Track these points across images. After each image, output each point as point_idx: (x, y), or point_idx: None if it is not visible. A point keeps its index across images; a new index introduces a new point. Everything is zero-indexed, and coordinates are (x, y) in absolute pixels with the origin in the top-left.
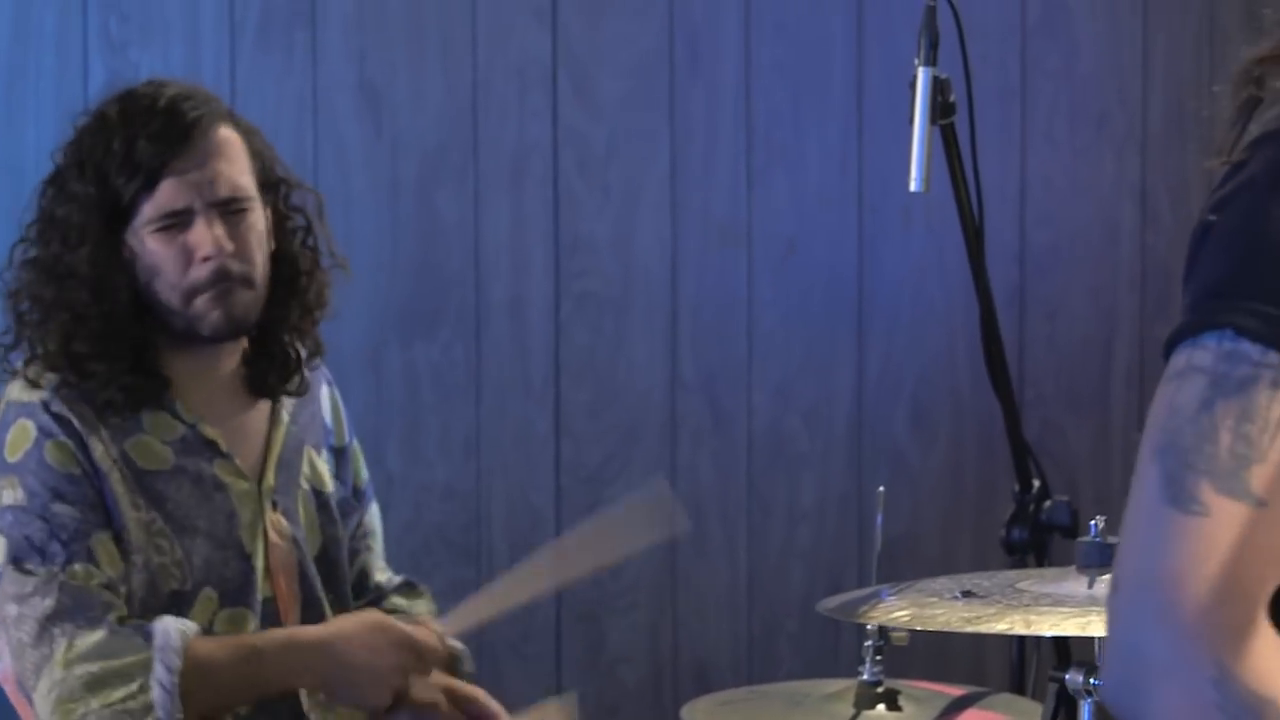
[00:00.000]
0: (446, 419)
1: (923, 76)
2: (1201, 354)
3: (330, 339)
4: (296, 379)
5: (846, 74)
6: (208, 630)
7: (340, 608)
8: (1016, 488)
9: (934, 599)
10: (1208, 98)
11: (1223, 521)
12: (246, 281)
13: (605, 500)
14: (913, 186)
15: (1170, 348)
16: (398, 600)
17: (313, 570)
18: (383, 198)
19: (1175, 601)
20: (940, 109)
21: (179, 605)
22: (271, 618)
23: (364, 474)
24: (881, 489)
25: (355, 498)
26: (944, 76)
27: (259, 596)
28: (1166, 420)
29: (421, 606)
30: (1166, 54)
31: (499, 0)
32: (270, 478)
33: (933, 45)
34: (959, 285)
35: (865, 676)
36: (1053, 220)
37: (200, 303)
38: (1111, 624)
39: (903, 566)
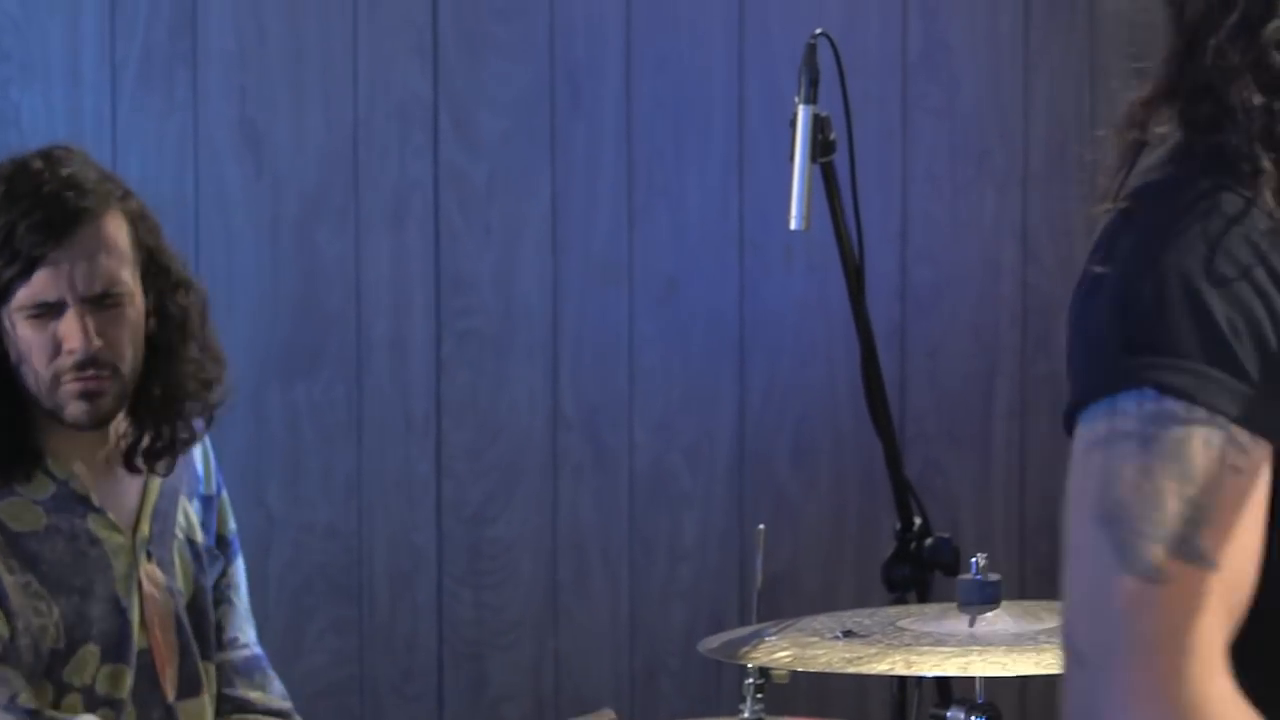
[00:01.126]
0: (328, 458)
1: (803, 114)
2: (1124, 418)
3: None
4: (165, 461)
5: (727, 112)
6: (89, 688)
7: (206, 659)
8: (898, 525)
9: (815, 638)
10: (1090, 139)
11: (1184, 587)
12: (113, 374)
13: (487, 540)
14: (793, 224)
15: (1081, 408)
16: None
17: (186, 620)
18: (263, 236)
19: (1147, 672)
20: (821, 147)
21: (60, 664)
22: (147, 670)
23: (231, 525)
24: (762, 527)
25: (220, 548)
26: (824, 114)
27: (135, 649)
28: (1105, 489)
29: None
30: (1047, 93)
31: (379, 38)
32: (145, 528)
33: (813, 83)
34: (840, 322)
35: (746, 715)
36: (934, 258)
37: (64, 393)
38: (1074, 698)
39: (785, 604)
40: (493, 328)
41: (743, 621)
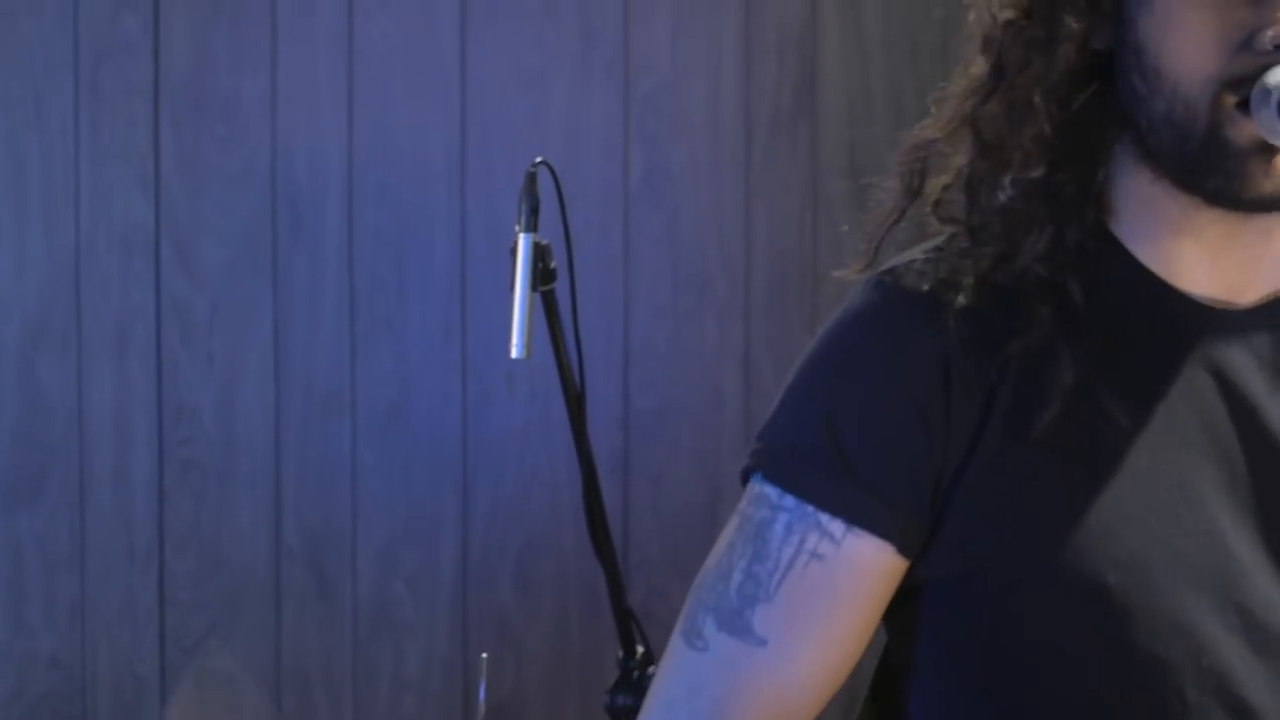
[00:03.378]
0: (50, 587)
1: (523, 243)
2: (744, 495)
3: None
4: None
5: (449, 240)
6: None
7: None
8: (620, 653)
9: None
10: (811, 269)
11: (719, 657)
12: None
13: (210, 669)
14: (514, 353)
15: (743, 479)
16: None
17: None
18: None
19: None
20: (542, 275)
21: None
22: None
23: None
24: (485, 655)
25: None
26: (545, 242)
27: None
28: (709, 558)
29: None
30: (769, 220)
31: (101, 166)
32: None
33: (533, 211)
34: (562, 449)
35: None
36: (656, 386)
37: None
38: None
39: None
40: (215, 457)
41: None
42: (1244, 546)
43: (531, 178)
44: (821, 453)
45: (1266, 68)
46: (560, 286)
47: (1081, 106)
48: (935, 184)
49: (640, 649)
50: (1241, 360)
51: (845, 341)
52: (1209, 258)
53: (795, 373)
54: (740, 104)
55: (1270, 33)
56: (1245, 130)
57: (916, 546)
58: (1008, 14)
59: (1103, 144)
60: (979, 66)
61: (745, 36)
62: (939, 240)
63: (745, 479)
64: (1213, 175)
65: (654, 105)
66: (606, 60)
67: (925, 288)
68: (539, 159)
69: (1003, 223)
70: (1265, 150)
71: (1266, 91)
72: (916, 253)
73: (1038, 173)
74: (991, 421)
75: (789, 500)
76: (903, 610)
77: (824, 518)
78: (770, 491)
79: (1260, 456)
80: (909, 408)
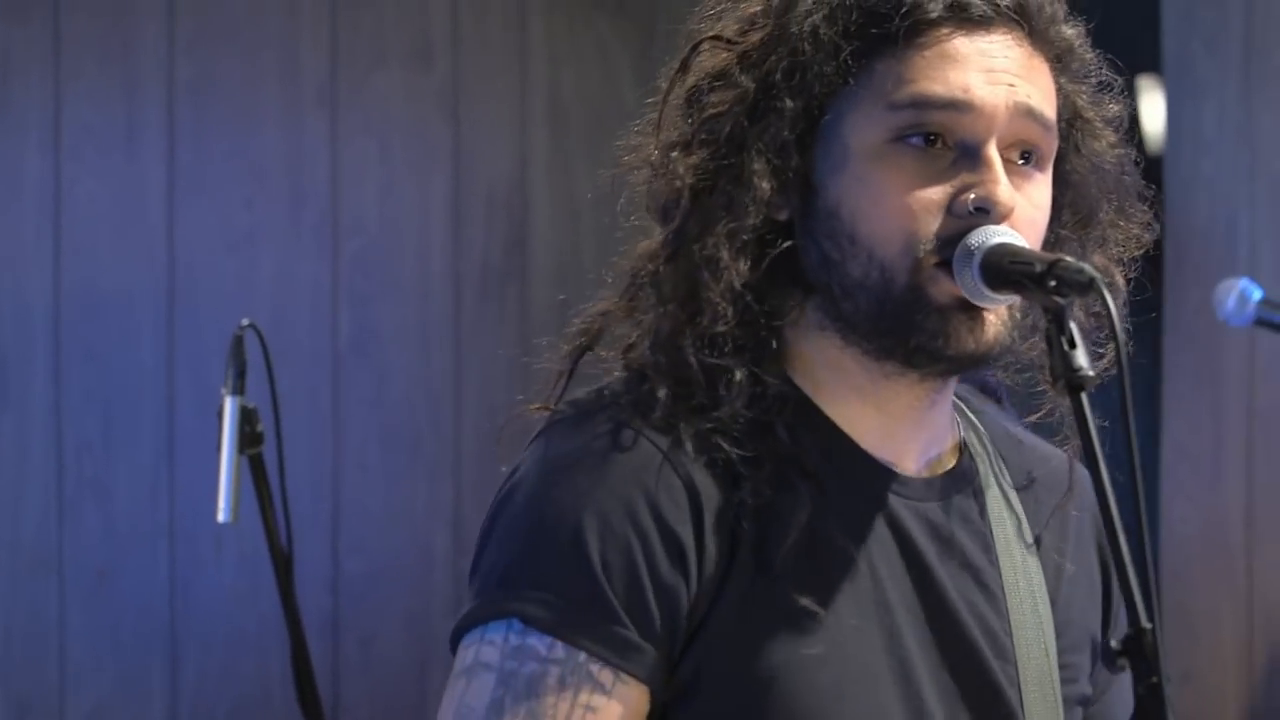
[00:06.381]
0: None
1: (230, 406)
2: (489, 649)
3: None
4: None
5: (157, 402)
6: None
7: None
8: None
9: None
10: (517, 414)
11: None
12: None
13: None
14: (220, 517)
15: (455, 639)
16: None
17: None
18: None
19: None
20: (249, 438)
21: None
22: None
23: None
24: None
25: None
26: (252, 406)
27: None
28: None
29: None
30: (478, 381)
31: None
32: None
33: (240, 374)
34: (271, 613)
35: None
36: (366, 547)
37: None
38: None
39: None
40: None
41: None
42: (934, 702)
43: (238, 340)
44: (590, 597)
45: (969, 229)
46: (269, 448)
47: (770, 265)
48: (623, 341)
49: None
50: (915, 523)
51: (586, 478)
52: (886, 424)
53: (526, 515)
54: (449, 264)
55: (970, 196)
56: (947, 289)
57: (664, 681)
58: (689, 181)
59: (792, 302)
60: (658, 233)
61: (455, 197)
62: (620, 383)
63: (457, 637)
64: (915, 334)
65: (363, 266)
66: (315, 221)
67: (650, 428)
68: (246, 321)
69: (704, 375)
70: (967, 309)
71: (970, 252)
72: (618, 388)
73: (726, 328)
74: (739, 558)
75: (560, 650)
76: None
77: (595, 667)
78: (537, 643)
79: (937, 619)
80: (668, 543)
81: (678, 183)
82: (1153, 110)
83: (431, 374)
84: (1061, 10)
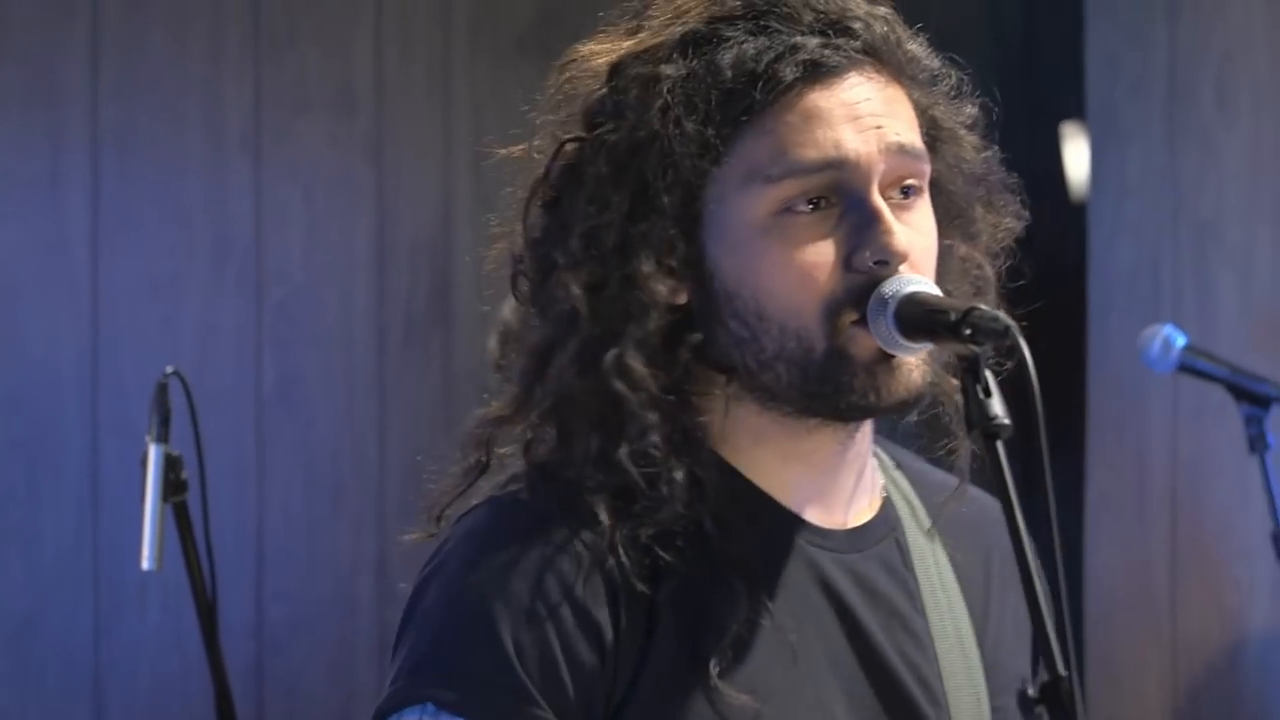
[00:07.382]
0: None
1: (154, 454)
2: None
3: None
4: None
5: (81, 448)
6: None
7: None
8: None
9: None
10: (432, 472)
11: None
12: None
13: None
14: (144, 564)
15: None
16: None
17: None
18: None
19: None
20: (173, 486)
21: None
22: None
23: None
24: None
25: None
26: (176, 453)
27: None
28: None
29: None
30: (402, 427)
31: None
32: None
33: (164, 422)
34: (196, 661)
35: None
36: (289, 595)
37: None
38: None
39: None
40: None
41: None
42: None
43: (162, 388)
44: (502, 679)
45: (876, 281)
46: (193, 495)
47: (683, 356)
48: (529, 455)
49: None
50: (841, 577)
51: (501, 565)
52: (812, 478)
53: (442, 602)
54: (373, 311)
55: (866, 252)
56: (865, 344)
57: None
58: (582, 295)
59: (714, 388)
60: (557, 340)
61: (379, 244)
62: (537, 472)
63: (383, 716)
64: (845, 393)
65: (287, 312)
66: (239, 267)
67: (569, 515)
68: (170, 369)
69: (645, 482)
70: (886, 359)
71: (883, 301)
72: (535, 477)
73: (657, 436)
74: (658, 640)
75: None
76: None
77: None
78: None
79: (872, 671)
80: (583, 623)
81: (572, 303)
82: (1077, 156)
83: (355, 421)
84: (903, 29)
